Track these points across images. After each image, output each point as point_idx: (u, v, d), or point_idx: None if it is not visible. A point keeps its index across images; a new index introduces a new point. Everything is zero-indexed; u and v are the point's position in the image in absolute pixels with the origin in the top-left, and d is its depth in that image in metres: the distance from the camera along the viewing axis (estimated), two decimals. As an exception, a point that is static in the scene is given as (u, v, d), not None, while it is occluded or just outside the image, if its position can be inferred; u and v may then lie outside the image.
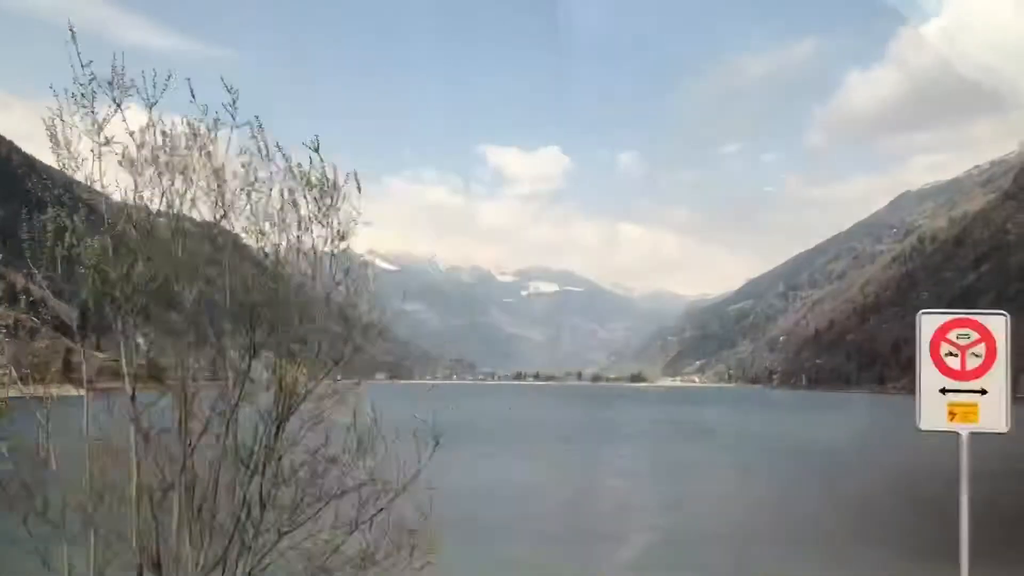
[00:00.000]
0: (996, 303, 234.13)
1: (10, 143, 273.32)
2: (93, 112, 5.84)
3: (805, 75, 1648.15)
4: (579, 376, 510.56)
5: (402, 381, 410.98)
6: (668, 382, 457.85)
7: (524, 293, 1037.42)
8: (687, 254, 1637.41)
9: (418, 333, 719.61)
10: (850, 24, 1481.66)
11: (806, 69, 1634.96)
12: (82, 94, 5.49)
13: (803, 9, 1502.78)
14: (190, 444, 5.50)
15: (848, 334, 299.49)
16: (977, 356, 6.85)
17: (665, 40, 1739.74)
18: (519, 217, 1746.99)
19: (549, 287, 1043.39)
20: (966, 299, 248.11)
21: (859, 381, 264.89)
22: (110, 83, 5.39)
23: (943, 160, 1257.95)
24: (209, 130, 5.64)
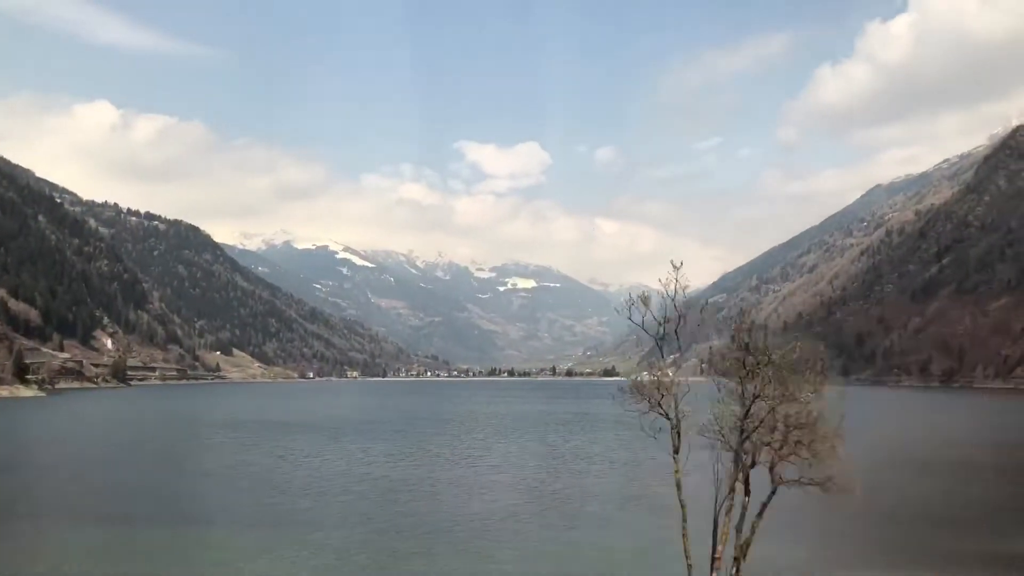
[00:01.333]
0: (956, 295, 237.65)
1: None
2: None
3: (776, 70, 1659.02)
4: (553, 371, 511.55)
5: (373, 379, 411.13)
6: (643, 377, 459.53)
7: (501, 289, 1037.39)
8: (664, 248, 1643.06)
9: (394, 330, 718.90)
10: (818, 19, 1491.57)
11: (777, 64, 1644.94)
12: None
13: (770, 4, 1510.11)
14: None
15: (814, 326, 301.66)
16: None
17: (635, 35, 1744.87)
18: (496, 213, 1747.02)
19: (526, 283, 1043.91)
20: (927, 291, 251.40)
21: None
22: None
23: (914, 154, 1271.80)
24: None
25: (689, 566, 16.70)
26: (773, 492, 16.82)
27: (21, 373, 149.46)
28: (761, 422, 16.66)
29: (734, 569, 16.56)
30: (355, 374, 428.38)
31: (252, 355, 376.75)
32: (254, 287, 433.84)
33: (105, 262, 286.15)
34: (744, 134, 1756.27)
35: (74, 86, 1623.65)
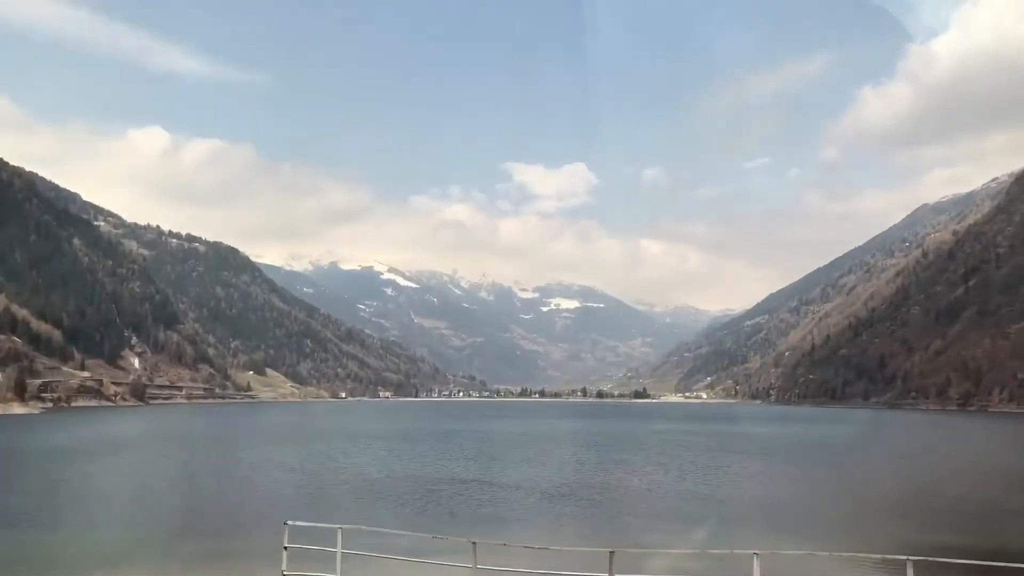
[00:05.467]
0: (978, 317, 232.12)
1: (13, 168, 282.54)
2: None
3: (817, 91, 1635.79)
4: (584, 393, 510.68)
5: (404, 399, 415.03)
6: (673, 398, 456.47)
7: (544, 309, 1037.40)
8: (711, 269, 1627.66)
9: (436, 350, 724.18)
10: (857, 41, 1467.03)
11: (818, 85, 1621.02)
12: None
13: (808, 27, 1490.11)
14: None
15: (841, 348, 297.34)
16: None
17: (677, 56, 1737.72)
18: (541, 234, 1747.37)
19: (570, 303, 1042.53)
20: (951, 313, 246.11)
21: (844, 396, 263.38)
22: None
23: (961, 173, 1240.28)
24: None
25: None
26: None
27: (20, 391, 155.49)
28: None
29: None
30: (387, 394, 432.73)
31: (286, 375, 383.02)
32: (291, 308, 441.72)
33: (138, 283, 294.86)
34: (788, 154, 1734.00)
35: (129, 112, 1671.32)
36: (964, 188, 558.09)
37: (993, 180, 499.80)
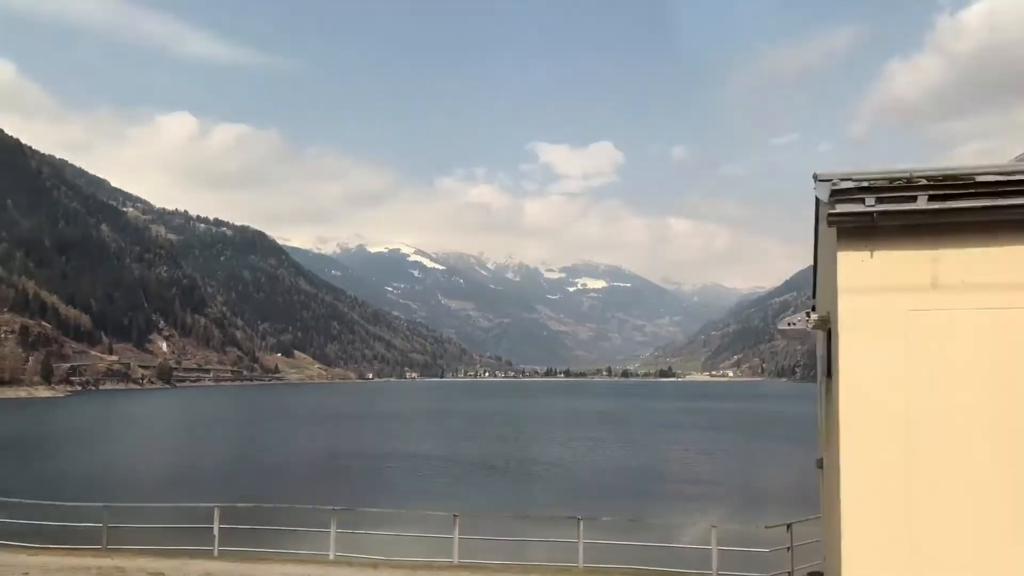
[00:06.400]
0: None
1: (42, 156, 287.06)
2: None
3: (843, 65, 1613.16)
4: (609, 372, 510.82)
5: (430, 379, 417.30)
6: (699, 377, 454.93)
7: (571, 289, 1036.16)
8: (740, 247, 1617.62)
9: (463, 331, 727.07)
10: (885, 14, 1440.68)
11: (844, 59, 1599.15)
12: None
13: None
14: None
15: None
16: None
17: (698, 31, 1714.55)
18: (567, 213, 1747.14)
19: (596, 283, 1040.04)
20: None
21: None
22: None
23: (993, 146, 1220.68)
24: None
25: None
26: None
27: (47, 374, 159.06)
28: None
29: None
30: (414, 375, 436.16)
31: (313, 356, 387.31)
32: (317, 291, 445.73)
33: (165, 268, 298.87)
34: (815, 130, 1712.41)
35: (157, 97, 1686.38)
36: (995, 161, 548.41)
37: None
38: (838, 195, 6.27)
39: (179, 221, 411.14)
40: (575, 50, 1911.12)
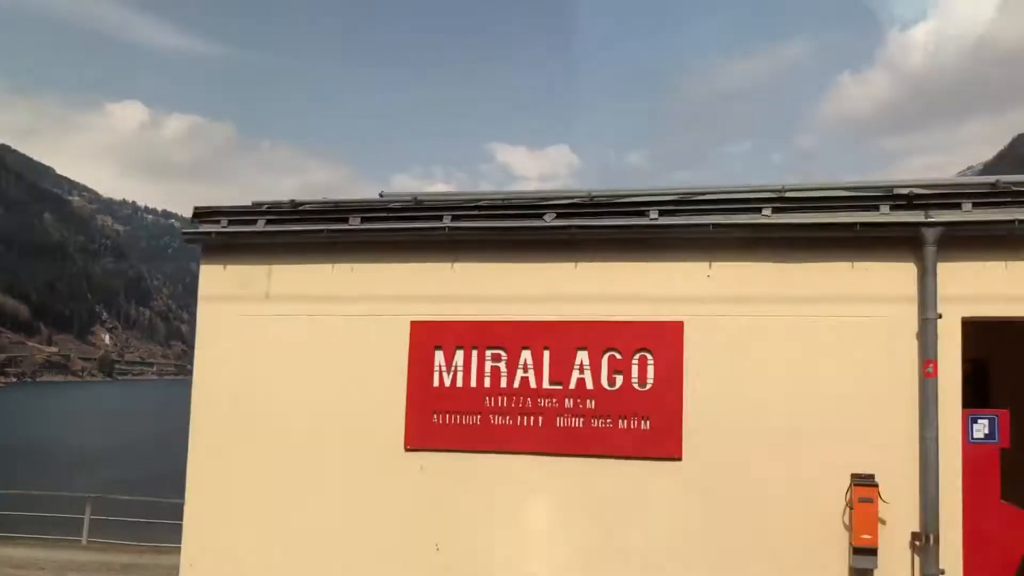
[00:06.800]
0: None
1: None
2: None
3: (796, 77, 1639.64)
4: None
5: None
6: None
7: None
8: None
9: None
10: (836, 28, 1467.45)
11: (796, 71, 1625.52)
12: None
13: (786, 12, 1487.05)
14: None
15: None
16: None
17: (660, 40, 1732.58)
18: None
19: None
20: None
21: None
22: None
23: (938, 161, 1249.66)
24: None
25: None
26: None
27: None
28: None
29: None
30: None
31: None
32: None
33: (111, 259, 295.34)
34: (771, 140, 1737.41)
35: (107, 85, 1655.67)
36: (940, 176, 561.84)
37: (968, 168, 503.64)
38: (200, 216, 7.50)
39: (126, 211, 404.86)
40: (537, 56, 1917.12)
